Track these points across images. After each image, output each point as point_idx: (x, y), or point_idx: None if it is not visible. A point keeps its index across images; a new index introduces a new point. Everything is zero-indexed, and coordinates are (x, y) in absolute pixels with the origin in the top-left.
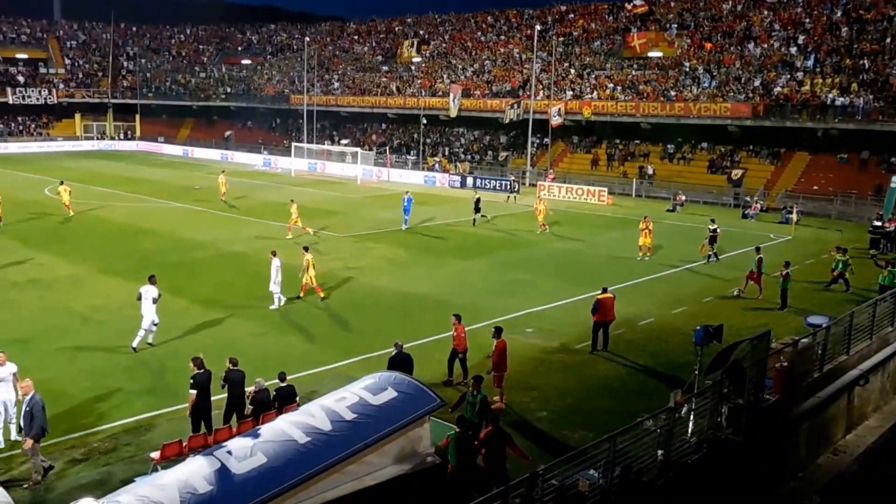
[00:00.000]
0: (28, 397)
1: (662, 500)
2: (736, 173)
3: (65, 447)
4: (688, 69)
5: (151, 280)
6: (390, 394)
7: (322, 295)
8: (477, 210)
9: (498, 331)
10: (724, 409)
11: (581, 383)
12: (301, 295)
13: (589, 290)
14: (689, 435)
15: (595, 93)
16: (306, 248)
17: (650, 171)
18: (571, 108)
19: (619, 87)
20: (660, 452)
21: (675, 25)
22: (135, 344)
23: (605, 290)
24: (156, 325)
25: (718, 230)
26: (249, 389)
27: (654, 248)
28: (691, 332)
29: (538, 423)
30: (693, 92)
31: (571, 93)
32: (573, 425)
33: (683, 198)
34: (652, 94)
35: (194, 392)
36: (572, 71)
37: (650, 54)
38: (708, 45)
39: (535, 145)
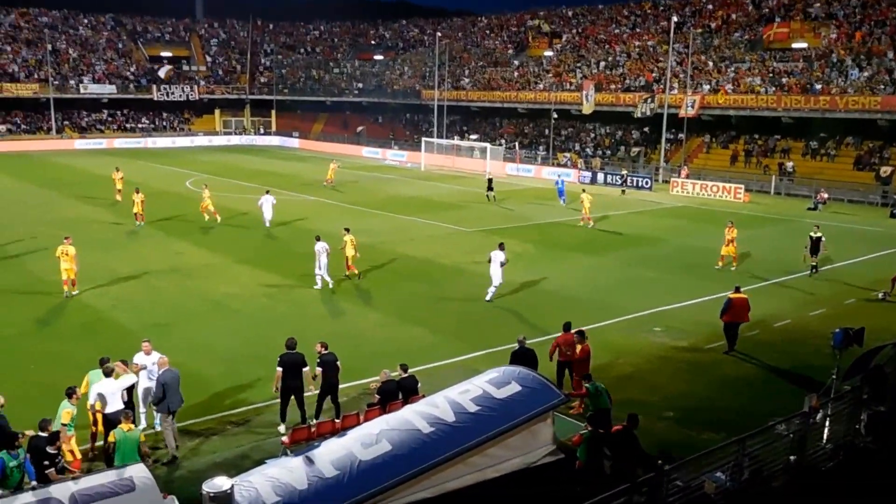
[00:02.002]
0: (160, 372)
1: None
2: (885, 170)
3: (200, 427)
4: (835, 61)
5: (501, 247)
6: (514, 388)
7: (347, 272)
8: (490, 189)
9: (581, 334)
10: (863, 416)
11: (709, 384)
12: (347, 273)
13: (720, 289)
14: (823, 441)
15: (733, 85)
16: (347, 230)
17: (790, 168)
18: (708, 101)
19: (759, 80)
20: (792, 458)
21: (823, 15)
22: (488, 298)
23: (738, 290)
24: (496, 286)
25: (823, 239)
26: (375, 379)
27: (785, 249)
28: (830, 335)
29: (663, 423)
30: (840, 84)
31: (708, 86)
32: (699, 426)
33: (826, 196)
34: (795, 87)
35: (280, 369)
36: (710, 63)
37: (794, 45)
38: (858, 35)
39: (670, 141)
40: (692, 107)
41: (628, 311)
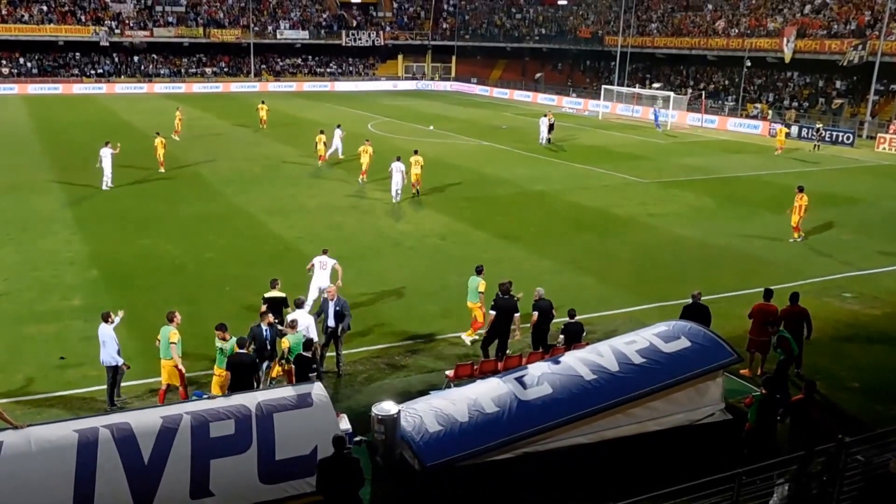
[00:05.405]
0: (335, 300)
1: None
2: None
3: (372, 356)
4: None
5: None
6: (683, 343)
7: (413, 190)
8: (550, 130)
9: (768, 293)
10: None
11: None
12: (413, 191)
13: None
14: None
15: None
16: (416, 151)
17: None
18: None
19: None
20: None
21: None
22: None
23: None
24: None
25: None
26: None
27: None
28: None
29: (847, 394)
30: None
31: None
32: (888, 401)
33: None
34: None
35: (493, 313)
36: None
37: None
38: None
39: (880, 93)
40: None
41: (815, 274)
